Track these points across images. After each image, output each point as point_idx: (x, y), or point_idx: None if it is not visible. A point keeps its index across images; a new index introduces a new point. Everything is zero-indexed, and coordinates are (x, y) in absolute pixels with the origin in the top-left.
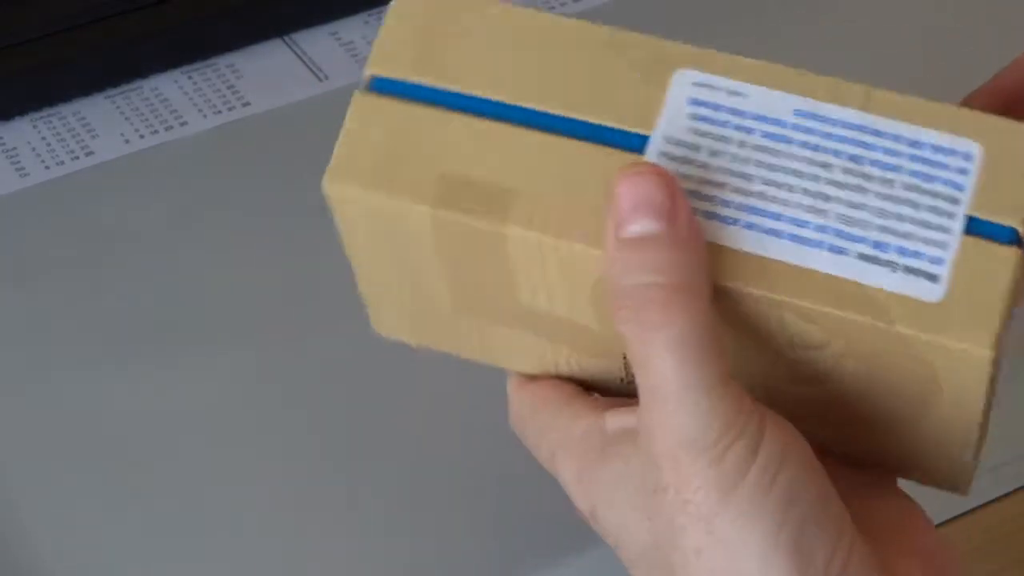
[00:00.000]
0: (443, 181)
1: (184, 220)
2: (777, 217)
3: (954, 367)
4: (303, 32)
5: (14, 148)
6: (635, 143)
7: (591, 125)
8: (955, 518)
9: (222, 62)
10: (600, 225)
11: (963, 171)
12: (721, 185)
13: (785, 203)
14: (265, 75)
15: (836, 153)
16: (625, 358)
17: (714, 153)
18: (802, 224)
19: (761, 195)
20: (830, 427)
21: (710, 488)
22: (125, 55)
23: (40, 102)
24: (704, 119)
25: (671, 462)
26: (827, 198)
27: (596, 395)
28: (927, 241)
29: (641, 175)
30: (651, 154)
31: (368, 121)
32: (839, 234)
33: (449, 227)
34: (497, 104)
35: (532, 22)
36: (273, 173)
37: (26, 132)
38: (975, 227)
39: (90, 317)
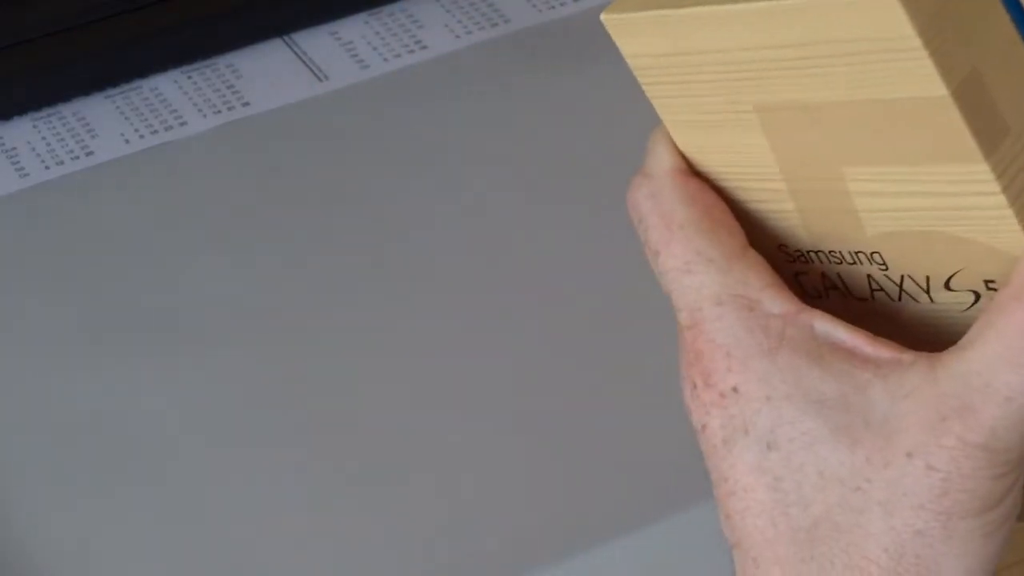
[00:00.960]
0: (971, 74)
1: (184, 220)
2: None
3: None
4: (303, 32)
5: (14, 148)
6: None
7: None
8: None
9: (222, 62)
10: None
11: None
12: None
13: None
14: (265, 75)
15: None
16: (833, 253)
17: None
18: None
19: None
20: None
21: (977, 496)
22: (125, 55)
23: (40, 102)
24: None
25: (962, 454)
26: None
27: None
28: None
29: None
30: None
31: None
32: None
33: (939, 112)
34: None
35: None
36: (273, 173)
37: (26, 132)
38: None
39: (89, 316)
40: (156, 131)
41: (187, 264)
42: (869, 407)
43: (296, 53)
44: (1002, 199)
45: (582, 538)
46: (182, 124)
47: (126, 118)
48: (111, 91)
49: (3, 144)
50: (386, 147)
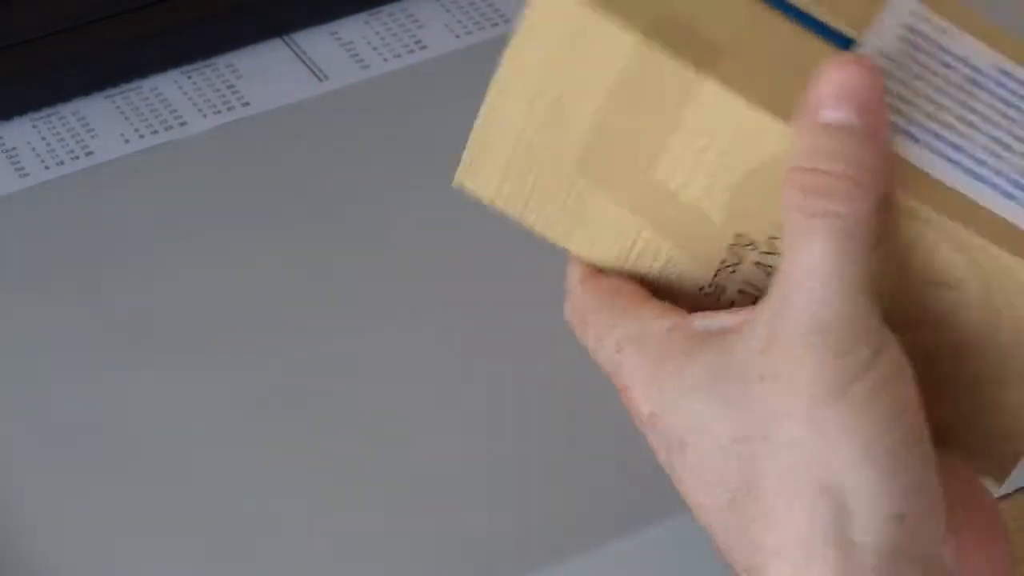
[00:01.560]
0: (658, 19)
1: (184, 220)
2: (959, 149)
3: None
4: (303, 32)
5: (14, 148)
6: (844, 43)
7: (807, 15)
8: None
9: (222, 62)
10: (793, 104)
11: None
12: (915, 105)
13: (971, 140)
14: (265, 75)
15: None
16: (724, 263)
17: (916, 76)
18: (981, 162)
19: (950, 126)
20: (940, 403)
21: (827, 380)
22: (125, 55)
23: (40, 102)
24: (913, 44)
25: (796, 348)
26: (1009, 148)
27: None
28: None
29: (854, 65)
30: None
31: None
32: (1013, 182)
33: (646, 65)
34: None
35: None
36: (273, 173)
37: (26, 132)
38: None
39: (90, 317)
40: (156, 131)
41: (187, 264)
42: (733, 364)
43: (296, 53)
44: (742, 104)
45: (582, 538)
46: (182, 124)
47: (126, 118)
48: (111, 91)
49: (3, 144)
50: (386, 147)
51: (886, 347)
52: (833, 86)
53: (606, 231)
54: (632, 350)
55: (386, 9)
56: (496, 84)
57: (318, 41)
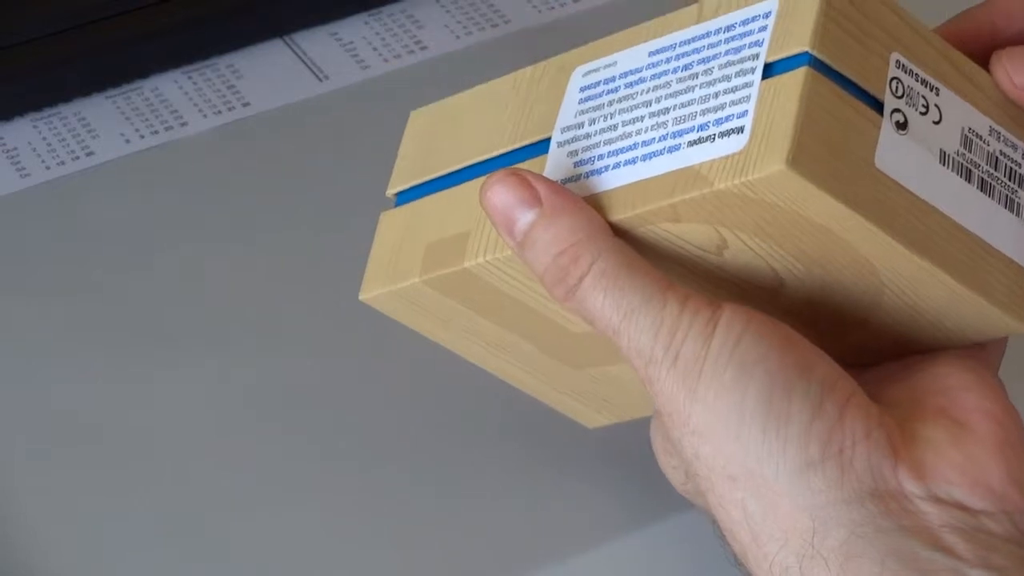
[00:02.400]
0: (427, 252)
1: (184, 220)
2: (634, 147)
3: (783, 196)
4: (303, 32)
5: (14, 148)
6: (541, 150)
7: (511, 154)
8: None
9: (222, 62)
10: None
11: (763, 28)
12: (596, 145)
13: (639, 132)
14: (265, 75)
15: (674, 70)
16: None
17: (592, 122)
18: (649, 142)
19: (623, 136)
20: (828, 335)
21: (678, 391)
22: (125, 55)
23: (40, 102)
24: (588, 99)
25: (646, 381)
26: (667, 110)
27: None
28: (735, 102)
29: (492, 187)
30: (552, 149)
31: (388, 231)
32: (675, 135)
33: (439, 284)
34: (459, 170)
35: (478, 96)
36: (273, 173)
37: (26, 132)
38: (773, 70)
39: (90, 317)
40: (156, 131)
41: (187, 264)
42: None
43: (296, 53)
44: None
45: (582, 538)
46: (182, 124)
47: (126, 118)
48: (111, 91)
49: (3, 144)
50: (386, 147)
51: (719, 319)
52: (495, 214)
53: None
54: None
55: (386, 9)
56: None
57: (318, 41)
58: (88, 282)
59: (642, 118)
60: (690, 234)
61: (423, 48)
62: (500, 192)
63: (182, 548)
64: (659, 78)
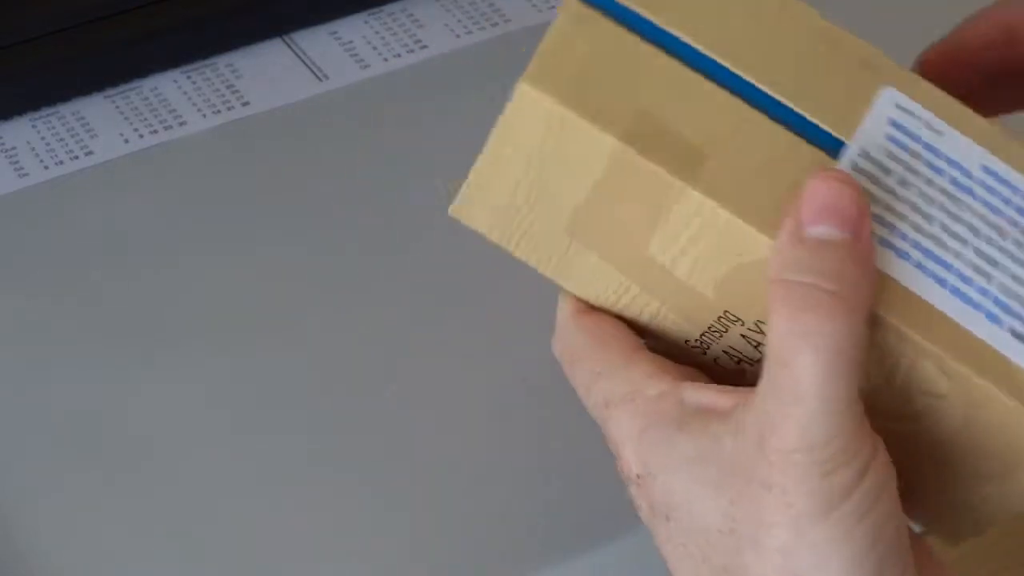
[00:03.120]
0: (638, 118)
1: (184, 220)
2: (947, 267)
3: None
4: (303, 32)
5: (14, 148)
6: (831, 144)
7: (793, 112)
8: None
9: (222, 62)
10: (778, 213)
11: None
12: (902, 217)
13: (957, 255)
14: (265, 75)
15: (1012, 222)
16: (711, 327)
17: (903, 182)
18: (967, 281)
19: (937, 240)
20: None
21: (816, 498)
22: (125, 55)
23: (40, 102)
24: (900, 144)
25: (785, 463)
26: (995, 263)
27: (645, 344)
28: None
29: (837, 180)
30: (844, 163)
31: (576, 32)
32: (998, 303)
33: (627, 165)
34: (705, 58)
35: None
36: (273, 173)
37: (26, 132)
38: None
39: (89, 317)
40: (156, 131)
41: (187, 264)
42: (723, 454)
43: (296, 53)
44: (726, 215)
45: (582, 538)
46: (182, 124)
47: (126, 118)
48: (111, 91)
49: (3, 144)
50: (386, 147)
51: (873, 461)
52: (817, 201)
53: (595, 281)
54: (621, 408)
55: (386, 9)
56: (494, 139)
57: (318, 41)
58: (88, 282)
59: (965, 242)
60: (931, 382)
61: (423, 48)
62: (838, 191)
63: (182, 548)
64: (992, 212)
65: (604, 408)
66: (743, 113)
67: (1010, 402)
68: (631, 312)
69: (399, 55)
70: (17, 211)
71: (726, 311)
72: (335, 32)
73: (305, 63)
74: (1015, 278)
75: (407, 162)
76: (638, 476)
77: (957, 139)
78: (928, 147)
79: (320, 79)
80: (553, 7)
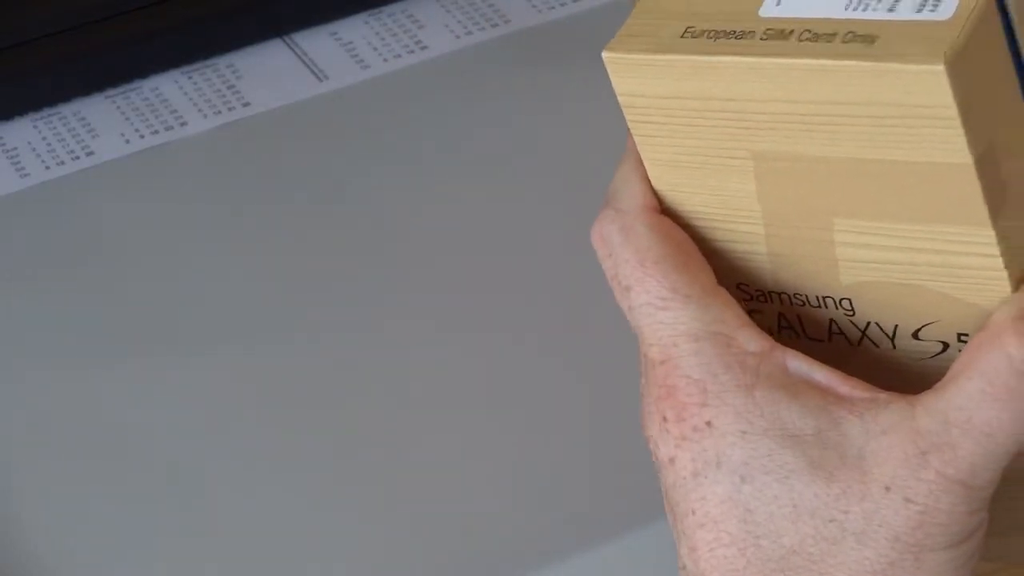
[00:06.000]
0: (989, 147)
1: (184, 220)
2: None
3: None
4: (303, 32)
5: (14, 148)
6: None
7: None
8: None
9: (222, 62)
10: None
11: None
12: None
13: None
14: (265, 75)
15: None
16: (794, 295)
17: None
18: None
19: None
20: None
21: (951, 531)
22: (125, 55)
23: (40, 102)
24: None
25: (941, 488)
26: None
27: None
28: None
29: None
30: None
31: (988, 35)
32: None
33: (951, 178)
34: None
35: None
36: (273, 173)
37: (26, 132)
38: None
39: (90, 317)
40: (156, 131)
41: (187, 264)
42: (845, 442)
43: (296, 53)
44: (999, 262)
45: (582, 538)
46: (182, 124)
47: (126, 118)
48: (111, 91)
49: (3, 144)
50: (386, 147)
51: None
52: None
53: (714, 199)
54: (712, 351)
55: (386, 9)
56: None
57: (318, 41)
58: (88, 282)
59: None
60: None
61: (423, 48)
62: None
63: (182, 548)
64: None
65: (685, 338)
66: None
67: None
68: (712, 234)
69: (399, 55)
70: (18, 211)
71: (844, 299)
72: (335, 32)
73: (305, 63)
74: None
75: (407, 162)
76: (708, 424)
77: None
78: None
79: (320, 79)
80: (553, 7)
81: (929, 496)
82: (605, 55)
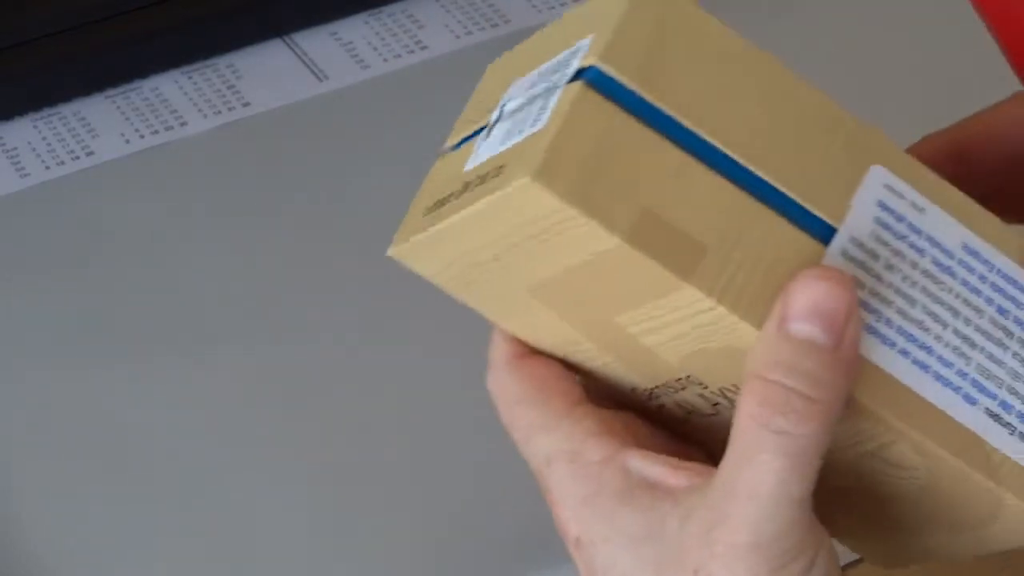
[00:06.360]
0: (642, 217)
1: (184, 220)
2: (928, 351)
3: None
4: (303, 32)
5: (14, 148)
6: (823, 232)
7: (788, 199)
8: None
9: (222, 62)
10: (769, 308)
11: None
12: (889, 303)
13: (938, 338)
14: (265, 75)
15: (988, 300)
16: (666, 384)
17: (889, 267)
18: (948, 364)
19: (920, 324)
20: (849, 516)
21: None
22: (125, 55)
23: (40, 102)
24: (887, 227)
25: (731, 558)
26: (973, 344)
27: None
28: None
29: (828, 280)
30: (833, 251)
31: (583, 123)
32: (975, 384)
33: (624, 258)
34: (709, 147)
35: (761, 66)
36: (273, 173)
37: (26, 132)
38: None
39: (90, 317)
40: (156, 131)
41: (187, 264)
42: (667, 536)
43: (296, 53)
44: (722, 311)
45: None
46: (182, 124)
47: (126, 118)
48: (111, 91)
49: (3, 144)
50: (386, 147)
51: (818, 553)
52: (803, 301)
53: (546, 332)
54: (563, 469)
55: (386, 9)
56: (475, 207)
57: (318, 41)
58: (88, 282)
59: (945, 325)
60: (904, 458)
61: (423, 48)
62: (828, 293)
63: (182, 548)
64: (970, 293)
65: (544, 464)
66: (743, 204)
67: (985, 482)
68: (576, 359)
69: (399, 55)
70: (18, 211)
71: (689, 376)
72: (335, 32)
73: (305, 63)
74: (991, 357)
75: (407, 162)
76: (576, 539)
77: (940, 217)
78: (912, 227)
79: (320, 79)
80: (553, 7)
81: (726, 569)
82: (392, 252)
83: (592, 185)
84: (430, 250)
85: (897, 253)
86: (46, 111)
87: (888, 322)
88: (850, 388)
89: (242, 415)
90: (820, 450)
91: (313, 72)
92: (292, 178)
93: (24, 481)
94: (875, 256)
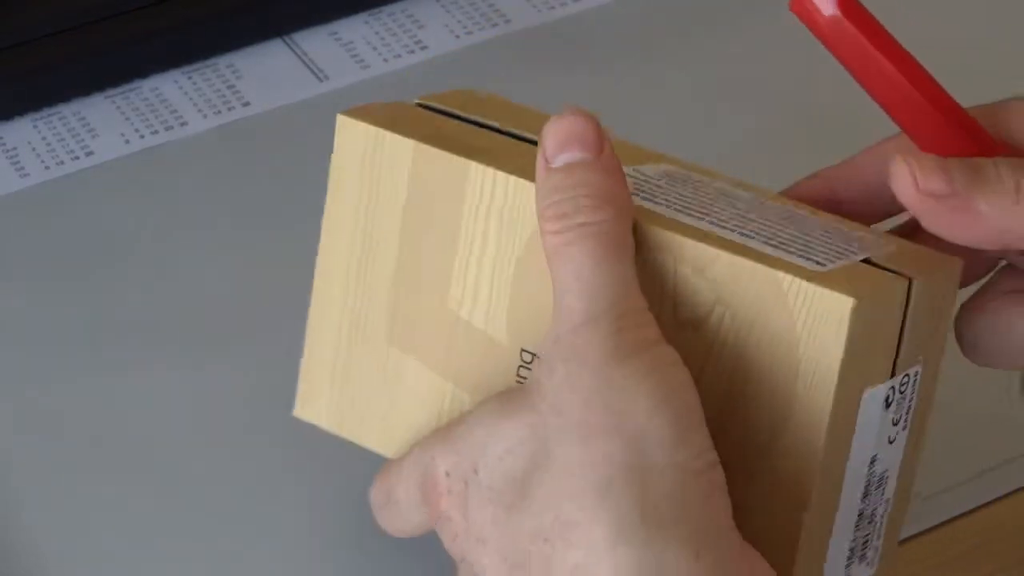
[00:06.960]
0: (432, 133)
1: (184, 220)
2: (702, 214)
3: (816, 325)
4: (303, 32)
5: (14, 148)
6: None
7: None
8: (955, 518)
9: (222, 62)
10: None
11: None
12: (664, 193)
13: (711, 211)
14: (265, 75)
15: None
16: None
17: (668, 185)
18: (722, 221)
19: (694, 204)
20: None
21: (607, 354)
22: (125, 55)
23: (40, 102)
24: (670, 176)
25: (578, 337)
26: (746, 218)
27: None
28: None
29: (572, 114)
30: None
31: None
32: (745, 234)
33: (426, 163)
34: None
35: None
36: (273, 173)
37: (26, 132)
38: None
39: (89, 317)
40: (156, 131)
41: (187, 264)
42: (522, 395)
43: (296, 53)
44: (502, 174)
45: None
46: (182, 124)
47: (126, 118)
48: (111, 91)
49: (3, 144)
50: None
51: (659, 344)
52: (558, 135)
53: (418, 404)
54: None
55: (386, 9)
56: (314, 293)
57: (318, 41)
58: (87, 282)
59: (722, 211)
60: (694, 297)
61: (423, 48)
62: (571, 123)
63: (182, 548)
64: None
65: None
66: (513, 142)
67: (763, 266)
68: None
69: (399, 55)
70: (17, 211)
71: (523, 352)
72: (335, 32)
73: (305, 63)
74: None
75: None
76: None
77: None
78: (692, 180)
79: (320, 79)
80: (553, 7)
81: (571, 350)
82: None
83: (392, 120)
84: (313, 375)
85: (677, 181)
86: (46, 111)
87: (663, 202)
88: (624, 187)
89: (242, 415)
90: (624, 237)
91: (313, 72)
92: (292, 178)
93: (24, 481)
94: (653, 182)
